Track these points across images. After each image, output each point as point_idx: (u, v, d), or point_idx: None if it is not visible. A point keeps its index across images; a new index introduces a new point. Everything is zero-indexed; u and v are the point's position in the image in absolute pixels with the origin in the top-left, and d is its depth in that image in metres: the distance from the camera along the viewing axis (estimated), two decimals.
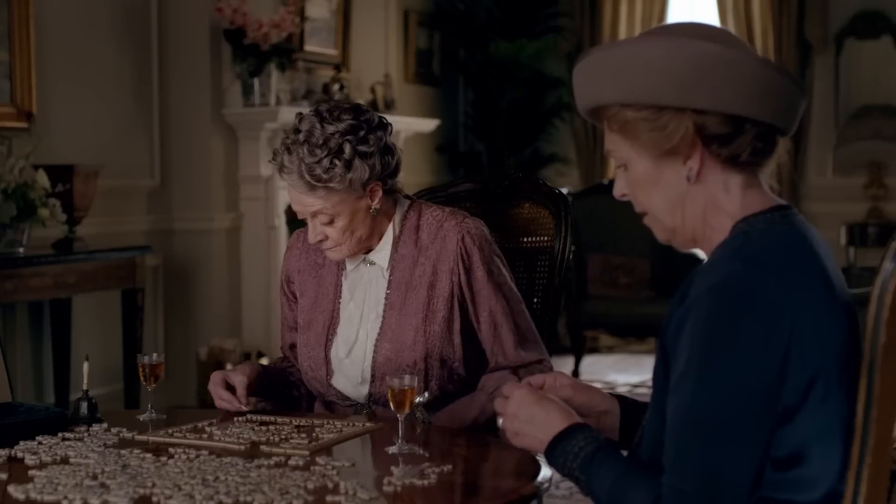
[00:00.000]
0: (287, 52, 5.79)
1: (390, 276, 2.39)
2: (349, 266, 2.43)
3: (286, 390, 2.54)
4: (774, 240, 1.58)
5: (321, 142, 2.26)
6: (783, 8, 7.39)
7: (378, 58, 7.01)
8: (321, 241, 2.35)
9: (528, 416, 1.72)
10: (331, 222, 2.31)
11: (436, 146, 7.74)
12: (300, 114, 2.35)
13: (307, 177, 2.26)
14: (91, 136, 5.13)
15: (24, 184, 4.26)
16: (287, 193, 2.39)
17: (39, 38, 4.80)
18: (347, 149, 2.26)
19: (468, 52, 7.96)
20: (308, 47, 6.26)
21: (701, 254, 1.68)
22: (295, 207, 2.35)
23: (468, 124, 8.18)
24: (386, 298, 2.38)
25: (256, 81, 5.64)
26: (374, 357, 2.35)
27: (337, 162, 2.25)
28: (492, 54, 7.57)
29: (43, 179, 4.34)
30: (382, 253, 2.40)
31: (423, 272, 2.36)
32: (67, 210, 4.48)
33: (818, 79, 7.46)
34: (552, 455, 1.68)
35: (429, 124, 7.13)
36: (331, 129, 2.27)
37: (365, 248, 2.39)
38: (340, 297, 2.44)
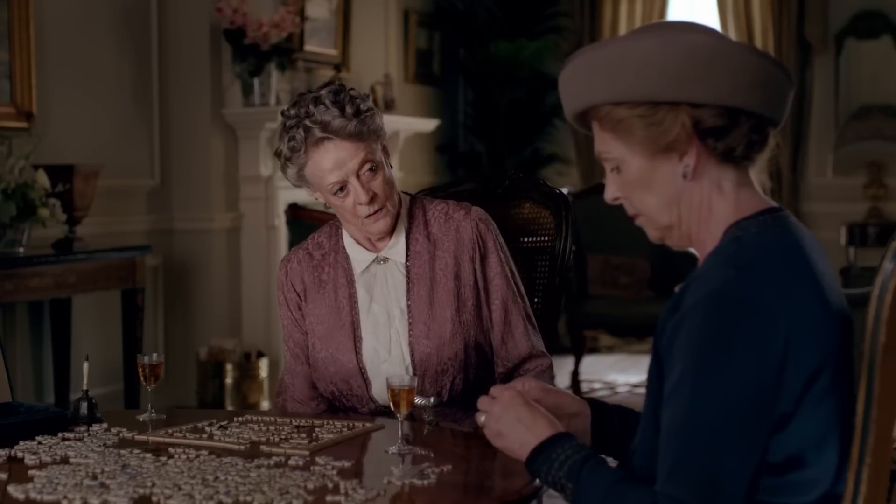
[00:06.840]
0: (287, 52, 5.79)
1: (408, 272, 2.37)
2: (358, 269, 2.39)
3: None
4: (768, 245, 1.56)
5: (343, 95, 2.26)
6: (783, 8, 7.39)
7: (378, 58, 7.01)
8: (370, 208, 2.27)
9: (513, 417, 1.71)
10: (375, 174, 2.27)
11: (436, 146, 7.73)
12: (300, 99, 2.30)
13: (354, 122, 2.23)
14: (91, 136, 5.13)
15: (24, 184, 4.25)
16: (314, 172, 2.27)
17: (39, 38, 4.80)
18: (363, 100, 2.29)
19: (468, 52, 7.95)
20: (308, 47, 6.25)
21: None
22: (334, 176, 2.25)
23: (468, 124, 8.18)
24: (409, 294, 2.35)
25: (256, 81, 5.64)
26: (412, 354, 2.34)
27: (370, 103, 2.28)
28: (492, 54, 7.56)
29: (43, 179, 4.34)
30: (396, 248, 2.37)
31: (445, 264, 2.36)
32: (67, 210, 4.47)
33: (818, 79, 7.45)
34: (534, 461, 1.67)
35: (429, 124, 7.13)
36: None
37: (388, 229, 2.34)
38: (357, 304, 2.38)
